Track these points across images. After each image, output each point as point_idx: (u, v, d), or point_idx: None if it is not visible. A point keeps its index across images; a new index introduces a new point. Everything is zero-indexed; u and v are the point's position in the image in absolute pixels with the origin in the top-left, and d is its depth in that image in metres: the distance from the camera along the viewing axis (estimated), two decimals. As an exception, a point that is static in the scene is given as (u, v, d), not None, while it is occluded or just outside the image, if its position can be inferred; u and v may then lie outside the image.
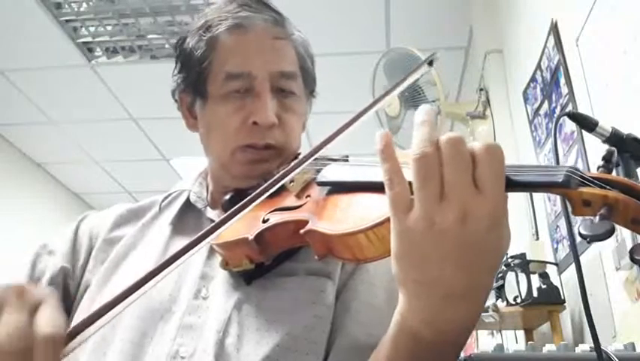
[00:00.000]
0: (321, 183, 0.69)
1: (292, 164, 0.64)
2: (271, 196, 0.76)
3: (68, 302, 0.83)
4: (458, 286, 0.50)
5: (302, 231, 0.63)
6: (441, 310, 0.52)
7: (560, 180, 0.47)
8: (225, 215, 0.59)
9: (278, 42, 0.85)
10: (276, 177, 0.62)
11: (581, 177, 0.47)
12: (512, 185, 0.49)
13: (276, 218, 0.69)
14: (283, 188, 0.76)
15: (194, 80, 0.85)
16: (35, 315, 0.51)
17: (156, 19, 3.27)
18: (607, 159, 0.59)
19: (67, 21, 3.27)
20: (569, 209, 0.49)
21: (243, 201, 0.60)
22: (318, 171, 0.71)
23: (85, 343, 0.74)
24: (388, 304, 0.77)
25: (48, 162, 4.87)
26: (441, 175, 0.48)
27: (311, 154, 0.64)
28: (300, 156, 0.65)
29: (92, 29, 3.35)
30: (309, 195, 0.70)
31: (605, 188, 0.46)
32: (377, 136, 0.52)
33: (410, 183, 0.49)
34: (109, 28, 3.35)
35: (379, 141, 0.51)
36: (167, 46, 3.44)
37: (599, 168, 0.58)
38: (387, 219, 0.52)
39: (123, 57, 3.54)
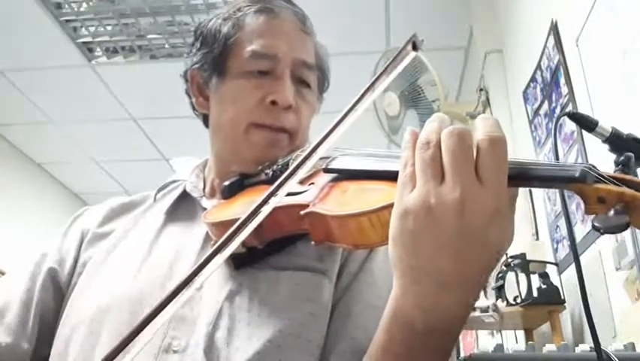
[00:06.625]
0: (329, 170, 0.69)
1: (320, 140, 0.65)
2: (272, 182, 0.76)
3: (65, 298, 0.83)
4: (453, 275, 0.50)
5: (302, 212, 0.63)
6: (435, 297, 0.52)
7: (577, 175, 0.47)
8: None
9: (304, 34, 0.89)
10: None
11: (598, 173, 0.47)
12: (528, 179, 0.50)
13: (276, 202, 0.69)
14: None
15: (216, 56, 0.86)
16: None
17: (156, 19, 3.27)
18: (624, 163, 0.59)
19: (67, 21, 3.27)
20: (582, 206, 0.48)
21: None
22: (323, 159, 0.71)
23: (75, 334, 0.74)
24: None
25: (48, 162, 4.87)
26: (441, 160, 0.49)
27: (331, 130, 0.65)
28: (323, 137, 0.65)
29: (92, 29, 3.35)
30: (312, 183, 0.70)
31: (621, 186, 0.47)
32: (407, 131, 0.54)
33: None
34: (109, 28, 3.35)
35: (409, 133, 0.54)
36: (167, 46, 3.44)
37: (615, 170, 0.59)
38: (392, 205, 0.53)
39: (123, 57, 3.54)
